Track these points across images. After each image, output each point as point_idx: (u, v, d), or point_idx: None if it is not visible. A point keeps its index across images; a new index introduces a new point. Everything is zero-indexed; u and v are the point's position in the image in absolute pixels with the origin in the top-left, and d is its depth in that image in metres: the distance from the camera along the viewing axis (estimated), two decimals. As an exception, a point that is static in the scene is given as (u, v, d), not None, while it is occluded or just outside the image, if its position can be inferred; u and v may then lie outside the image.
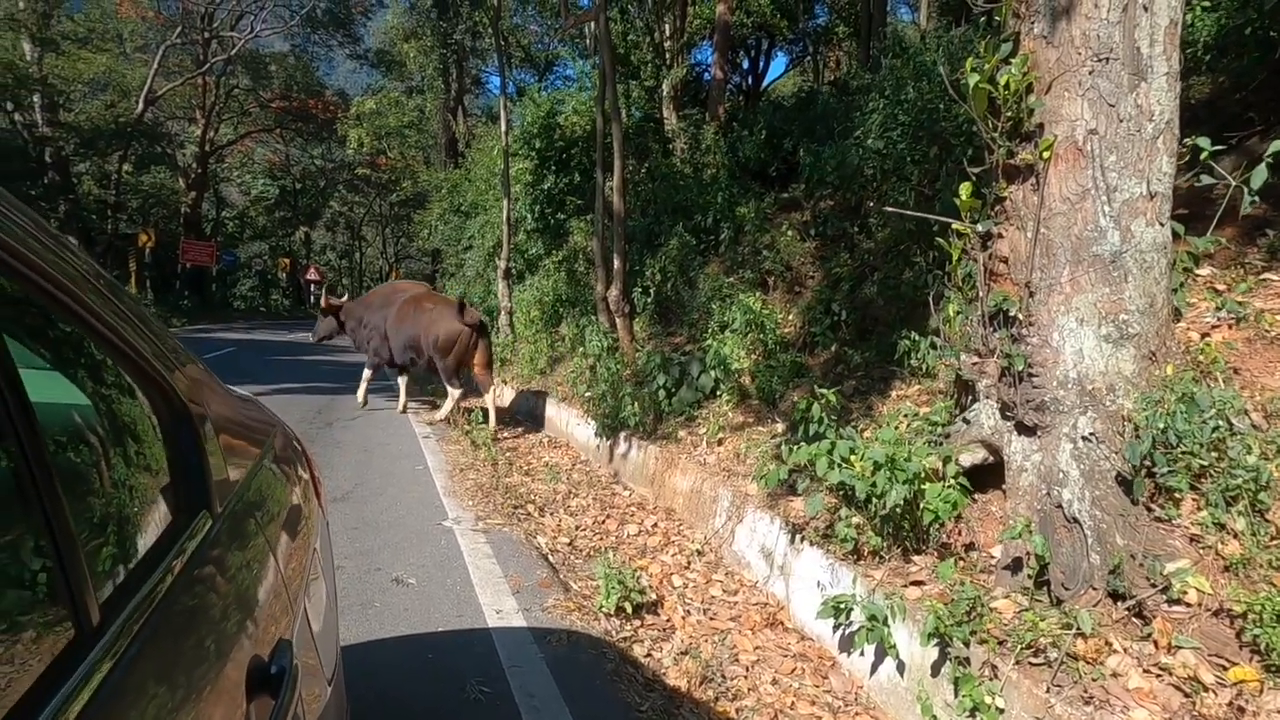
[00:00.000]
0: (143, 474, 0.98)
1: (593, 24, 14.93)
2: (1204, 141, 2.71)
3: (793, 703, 2.86)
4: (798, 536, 3.66)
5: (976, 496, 3.15)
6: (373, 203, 38.96)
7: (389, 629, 3.12)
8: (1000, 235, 2.83)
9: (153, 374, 1.01)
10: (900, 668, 2.80)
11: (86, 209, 24.14)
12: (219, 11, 25.80)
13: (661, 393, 6.08)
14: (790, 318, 6.38)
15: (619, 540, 4.67)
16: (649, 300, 8.24)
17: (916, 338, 4.28)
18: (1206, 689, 1.98)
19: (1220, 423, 2.34)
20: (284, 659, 0.98)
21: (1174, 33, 2.49)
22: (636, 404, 6.11)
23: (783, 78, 21.64)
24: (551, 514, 5.11)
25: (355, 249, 43.83)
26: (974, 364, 2.95)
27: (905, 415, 3.77)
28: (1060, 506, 2.55)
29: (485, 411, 7.96)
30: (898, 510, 2.90)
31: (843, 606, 2.86)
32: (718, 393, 5.75)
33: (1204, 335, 3.22)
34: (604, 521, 5.06)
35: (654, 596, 3.68)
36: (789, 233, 7.21)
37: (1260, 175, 2.62)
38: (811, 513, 3.41)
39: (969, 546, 3.04)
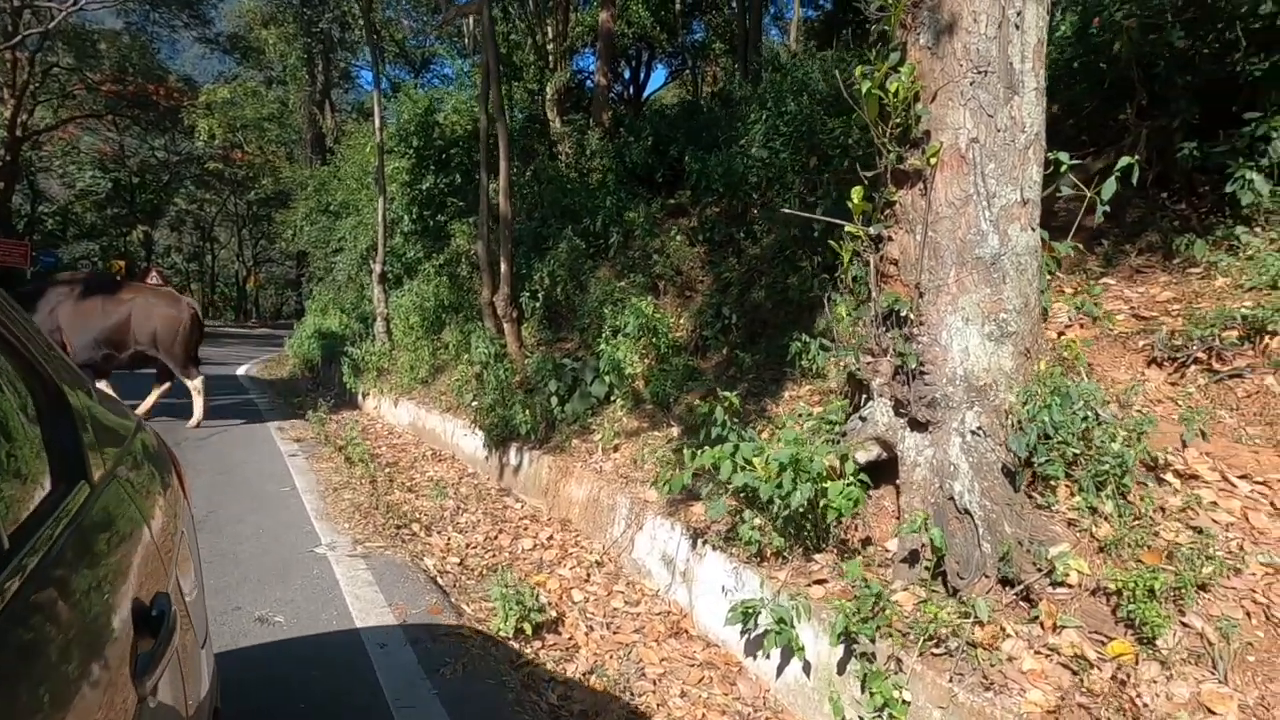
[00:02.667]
0: (24, 448, 1.13)
1: (471, 21, 14.48)
2: (1063, 156, 2.95)
3: (703, 714, 2.78)
4: (699, 541, 3.61)
5: (870, 493, 3.24)
6: (226, 201, 35.62)
7: (251, 676, 2.72)
8: (891, 238, 2.93)
9: (30, 359, 1.15)
10: (806, 668, 2.80)
11: None
12: (33, -22, 22.58)
13: (554, 400, 5.89)
14: (682, 321, 6.40)
15: (513, 556, 4.44)
16: (538, 305, 8.00)
17: (806, 339, 4.39)
18: (1092, 665, 2.10)
19: (1088, 413, 2.52)
20: (163, 605, 1.15)
21: (1040, 51, 2.67)
22: (527, 412, 5.88)
23: (662, 89, 22.10)
24: (439, 532, 4.77)
25: (206, 251, 39.88)
26: (868, 363, 3.02)
27: (801, 415, 3.84)
28: (952, 499, 2.66)
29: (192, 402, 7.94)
30: (801, 510, 2.91)
31: (751, 611, 2.82)
32: (611, 398, 5.64)
33: (1060, 334, 3.51)
34: (496, 537, 4.79)
35: (554, 614, 3.50)
36: (678, 238, 7.26)
37: (1110, 188, 2.87)
38: (714, 517, 3.37)
39: (865, 542, 3.11)
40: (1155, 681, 1.98)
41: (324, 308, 15.50)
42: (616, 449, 5.13)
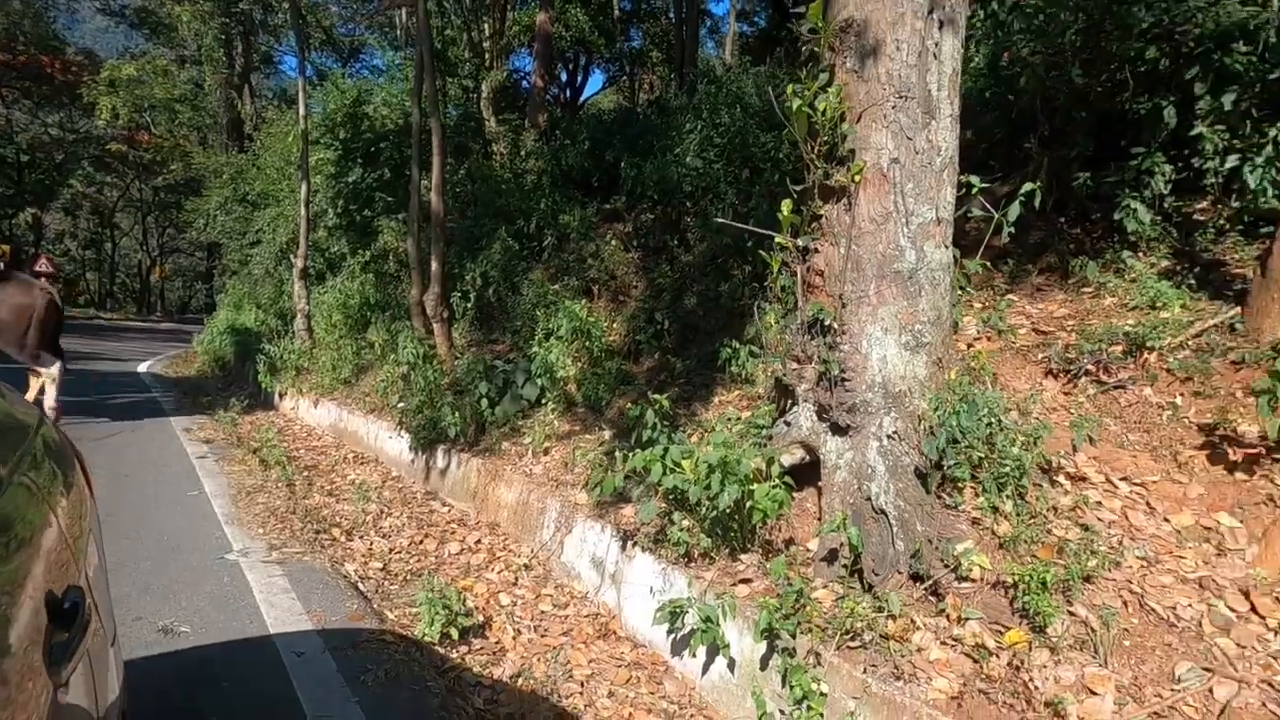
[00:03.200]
0: None
1: (404, 13, 14.12)
2: (974, 179, 3.16)
3: (630, 713, 2.81)
4: (629, 543, 3.65)
5: (794, 494, 3.36)
6: (130, 185, 33.25)
7: (155, 690, 2.57)
8: (817, 250, 3.06)
9: None
10: (731, 665, 2.88)
11: None
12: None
13: (484, 402, 5.80)
14: (615, 326, 6.44)
15: (439, 560, 4.35)
16: (469, 306, 7.87)
17: (736, 346, 4.51)
18: (991, 653, 2.25)
19: (992, 420, 2.70)
20: (75, 598, 1.13)
21: (955, 80, 2.86)
22: (456, 414, 5.77)
23: (599, 94, 22.20)
24: (361, 537, 4.62)
25: (105, 238, 37.06)
26: (794, 370, 3.14)
27: (730, 420, 3.94)
28: (869, 500, 2.80)
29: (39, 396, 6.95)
30: (728, 511, 2.99)
31: (679, 610, 2.88)
32: (543, 401, 5.61)
33: (970, 345, 3.74)
34: (421, 541, 4.68)
35: (481, 618, 3.45)
36: (612, 242, 7.31)
37: (1015, 210, 3.10)
38: (645, 519, 3.42)
39: (789, 542, 3.22)
40: (1045, 666, 2.15)
41: (238, 302, 14.73)
42: (547, 452, 5.11)
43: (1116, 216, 4.08)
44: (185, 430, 7.64)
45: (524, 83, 16.29)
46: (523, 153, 10.45)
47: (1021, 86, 4.96)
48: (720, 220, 4.09)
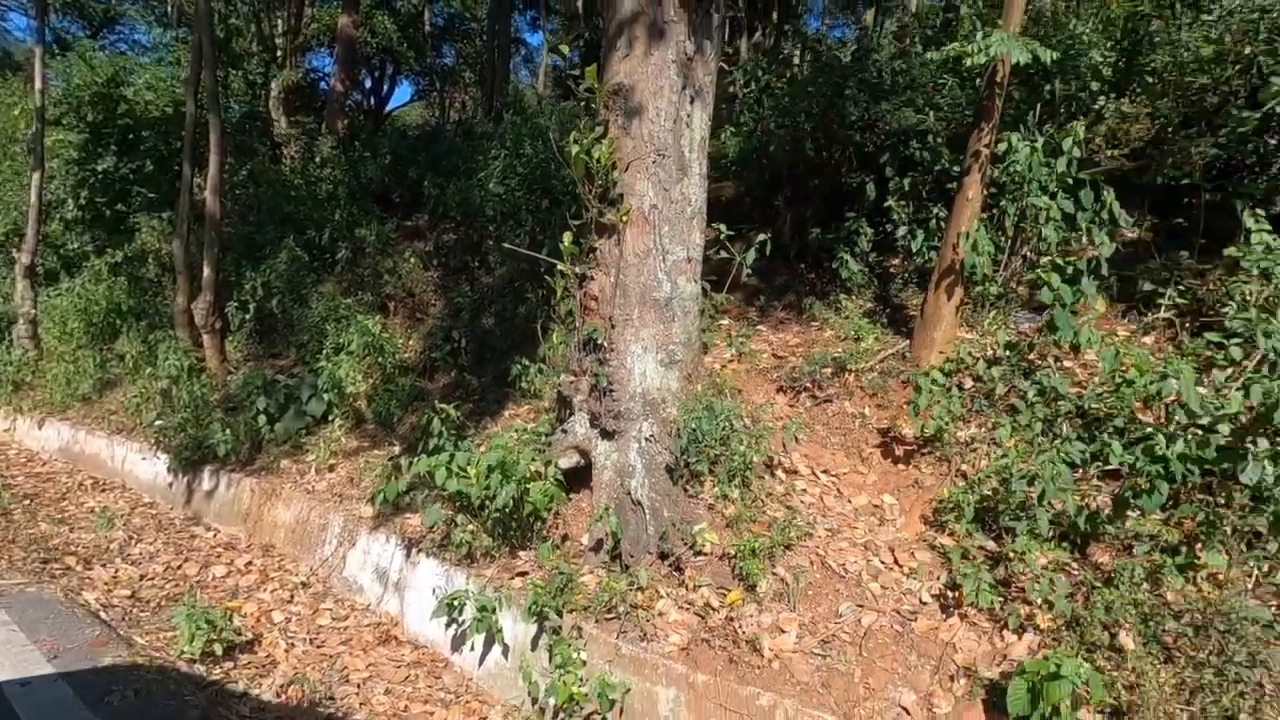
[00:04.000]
0: None
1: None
2: (723, 227, 3.82)
3: (406, 706, 2.95)
4: (414, 550, 3.76)
5: (571, 497, 3.73)
6: None
7: None
8: (593, 278, 3.50)
9: None
10: (505, 651, 3.14)
11: None
12: None
13: (262, 418, 5.49)
14: (411, 342, 6.44)
15: (203, 584, 4.08)
16: (247, 317, 7.32)
17: (527, 363, 4.83)
18: (715, 610, 2.77)
19: (727, 424, 3.30)
20: None
21: (703, 146, 3.49)
22: (228, 431, 5.39)
23: (407, 107, 21.57)
24: (104, 565, 4.17)
25: None
26: (571, 382, 3.54)
27: (516, 431, 4.23)
28: (629, 493, 3.25)
29: None
30: (507, 509, 3.27)
31: (456, 603, 3.09)
32: (330, 417, 5.46)
33: (723, 366, 4.43)
34: (180, 567, 4.34)
35: (250, 635, 3.36)
36: (412, 260, 7.29)
37: (751, 255, 3.81)
38: (430, 523, 3.57)
39: (564, 538, 3.57)
40: (752, 616, 2.71)
41: (-72, 302, 12.01)
42: (332, 468, 4.99)
43: (834, 265, 5.07)
44: None
45: (322, 85, 15.41)
46: (318, 159, 9.94)
47: (772, 154, 5.96)
48: (509, 246, 4.42)
